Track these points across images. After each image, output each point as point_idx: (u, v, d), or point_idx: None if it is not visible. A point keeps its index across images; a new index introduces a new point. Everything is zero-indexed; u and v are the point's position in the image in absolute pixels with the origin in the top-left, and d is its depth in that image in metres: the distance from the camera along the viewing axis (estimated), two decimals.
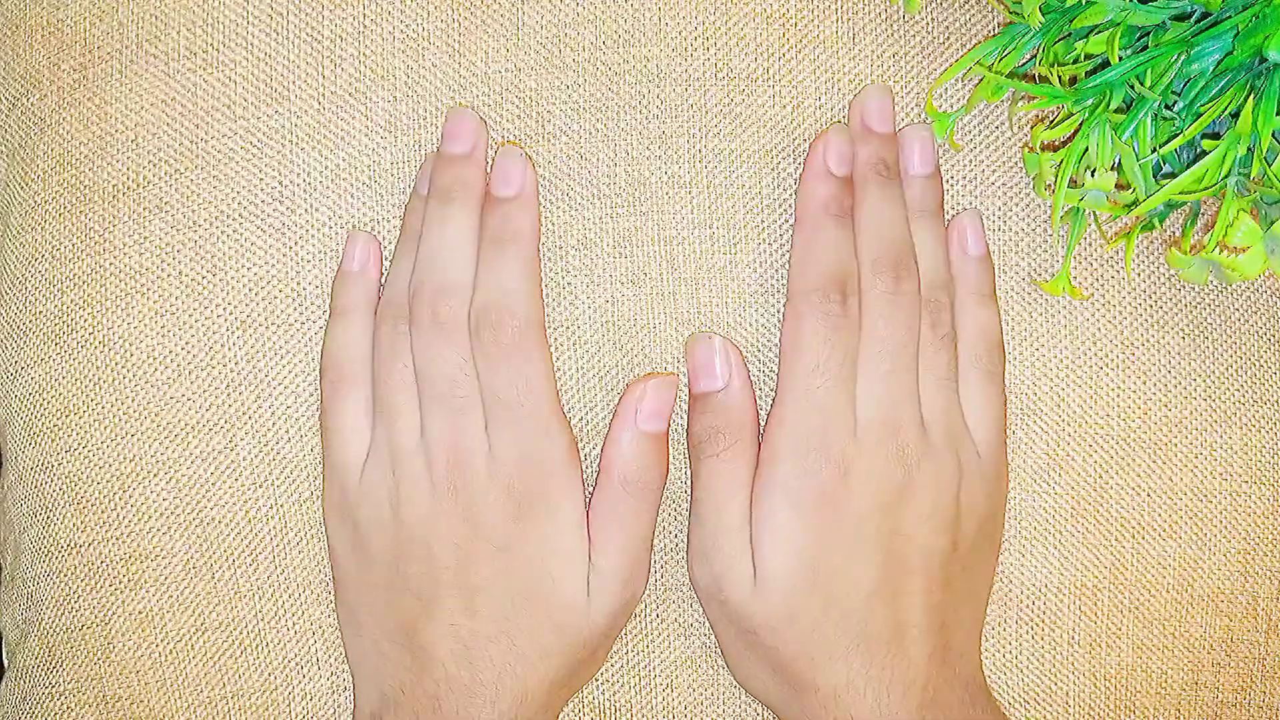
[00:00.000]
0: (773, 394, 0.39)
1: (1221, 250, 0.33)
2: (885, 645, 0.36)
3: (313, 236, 0.39)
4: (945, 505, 0.37)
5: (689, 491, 0.39)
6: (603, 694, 0.40)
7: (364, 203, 0.39)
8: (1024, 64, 0.38)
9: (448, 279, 0.37)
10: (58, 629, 0.40)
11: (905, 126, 0.39)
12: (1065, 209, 0.37)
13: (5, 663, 0.43)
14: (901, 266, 0.37)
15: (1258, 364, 0.40)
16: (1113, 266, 0.40)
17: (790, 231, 0.39)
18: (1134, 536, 0.40)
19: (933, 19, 0.39)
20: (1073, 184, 0.35)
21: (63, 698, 0.40)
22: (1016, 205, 0.39)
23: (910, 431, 0.36)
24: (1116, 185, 0.35)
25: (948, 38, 0.39)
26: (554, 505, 0.37)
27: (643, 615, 0.40)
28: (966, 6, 0.39)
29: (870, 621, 0.36)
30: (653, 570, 0.40)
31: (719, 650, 0.40)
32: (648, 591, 0.40)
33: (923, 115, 0.39)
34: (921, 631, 0.36)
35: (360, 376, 0.38)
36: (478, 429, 0.37)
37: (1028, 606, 0.40)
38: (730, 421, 0.37)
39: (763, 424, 0.38)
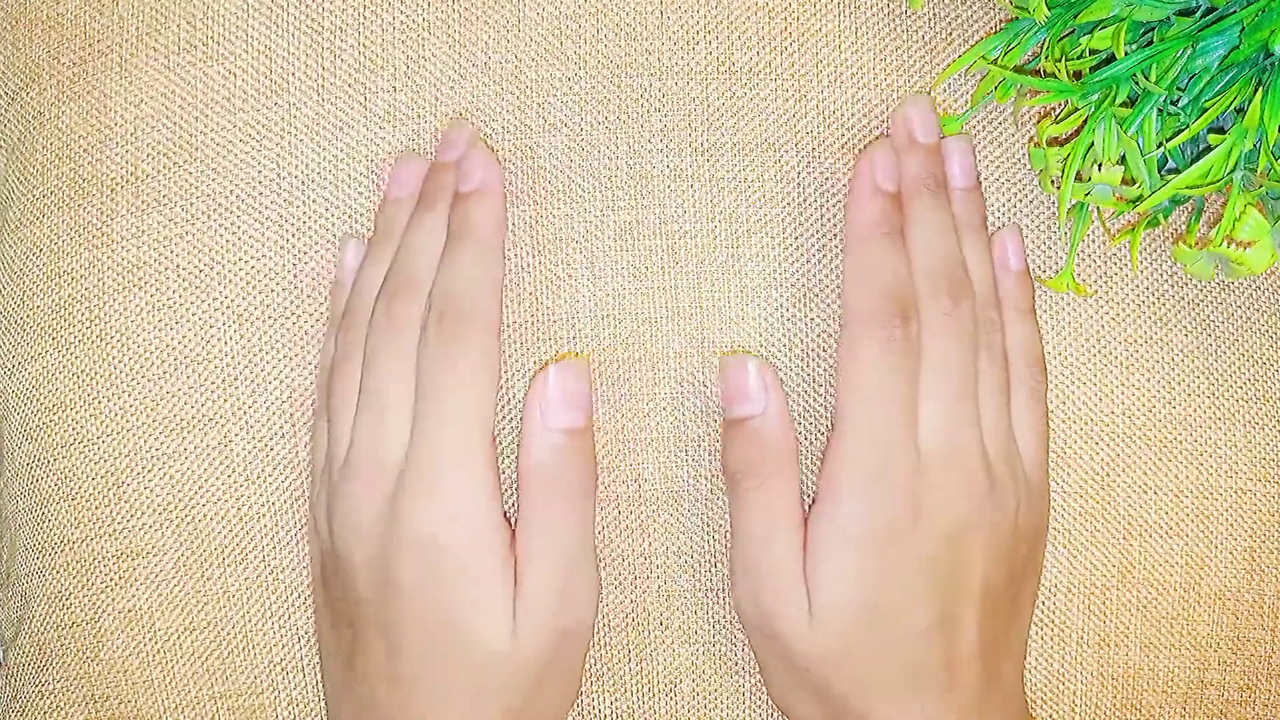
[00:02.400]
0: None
1: (1228, 244, 0.33)
2: (939, 679, 0.35)
3: (312, 229, 0.39)
4: (1004, 536, 0.35)
5: (689, 491, 0.39)
6: (604, 700, 0.39)
7: (363, 194, 0.39)
8: (1028, 61, 0.38)
9: (410, 277, 0.36)
10: (49, 627, 0.40)
11: (945, 138, 0.38)
12: (1071, 204, 0.37)
13: (2, 659, 0.43)
14: (958, 285, 0.36)
15: (1262, 361, 0.40)
16: (1117, 263, 0.40)
17: (792, 226, 0.39)
18: (1140, 535, 0.40)
19: (935, 14, 0.39)
20: (1078, 179, 0.35)
21: (51, 696, 0.40)
22: (1021, 201, 0.39)
23: (974, 461, 0.35)
24: (1122, 180, 0.35)
25: (950, 33, 0.39)
26: (470, 527, 0.34)
27: (645, 621, 0.39)
28: (969, 2, 0.39)
29: (926, 656, 0.34)
30: (655, 576, 0.39)
31: (724, 658, 0.39)
32: (649, 598, 0.39)
33: None
34: (973, 663, 0.35)
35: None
36: (400, 438, 0.35)
37: (1035, 606, 0.39)
38: (768, 450, 0.35)
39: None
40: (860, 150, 0.39)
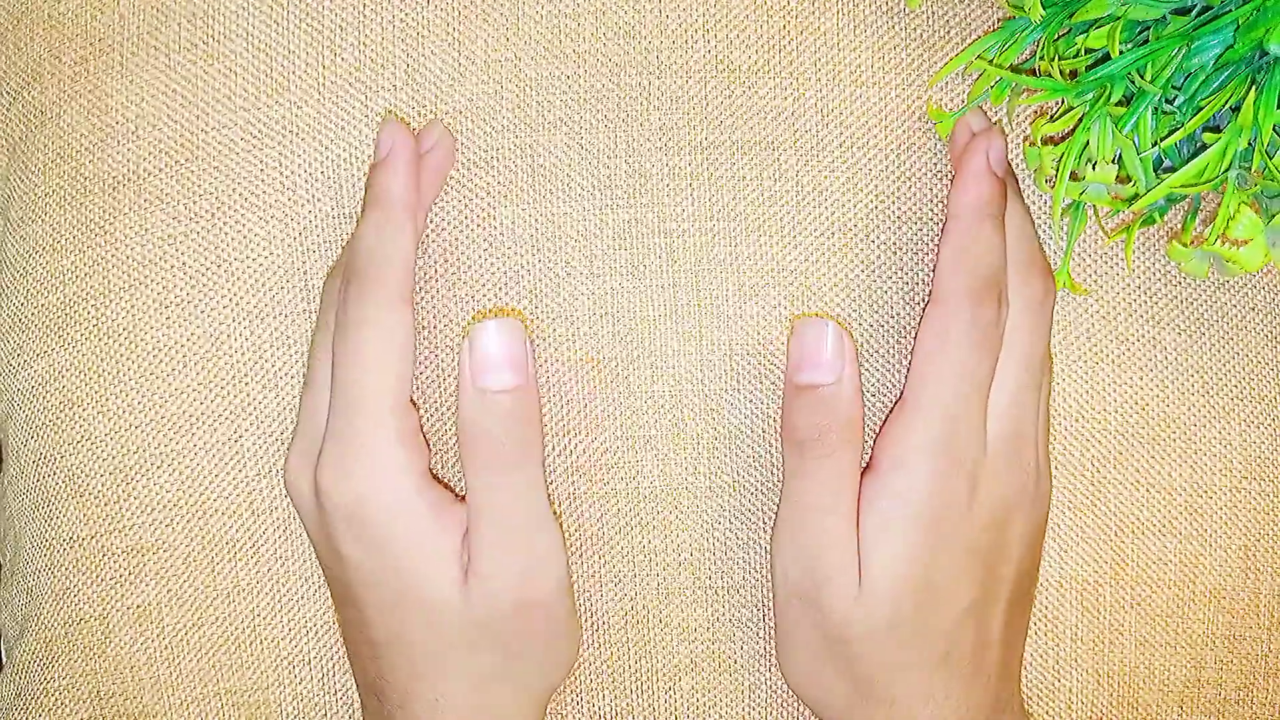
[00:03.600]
0: (775, 387, 0.39)
1: (1223, 243, 0.33)
2: (968, 662, 0.35)
3: (315, 226, 0.39)
4: (1035, 525, 0.36)
5: (687, 489, 0.39)
6: (604, 698, 0.40)
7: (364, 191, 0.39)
8: (1024, 60, 0.38)
9: (340, 252, 0.37)
10: (56, 623, 0.40)
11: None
12: (1066, 203, 0.37)
13: (3, 659, 0.43)
14: (1046, 273, 0.36)
15: (1257, 359, 0.40)
16: (1110, 262, 0.40)
17: (790, 224, 0.39)
18: (1133, 532, 0.40)
19: (933, 13, 0.39)
20: (1073, 178, 0.35)
21: (57, 694, 0.40)
22: None
23: (1029, 450, 0.35)
24: (1117, 179, 0.35)
25: (948, 31, 0.39)
26: (387, 499, 0.34)
27: (645, 619, 0.39)
28: (967, 0, 0.39)
29: (960, 638, 0.35)
30: (654, 574, 0.39)
31: (723, 655, 0.39)
32: (648, 596, 0.39)
33: (924, 108, 0.39)
34: (996, 649, 0.36)
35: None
36: (324, 411, 0.35)
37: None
38: (839, 419, 0.34)
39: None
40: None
